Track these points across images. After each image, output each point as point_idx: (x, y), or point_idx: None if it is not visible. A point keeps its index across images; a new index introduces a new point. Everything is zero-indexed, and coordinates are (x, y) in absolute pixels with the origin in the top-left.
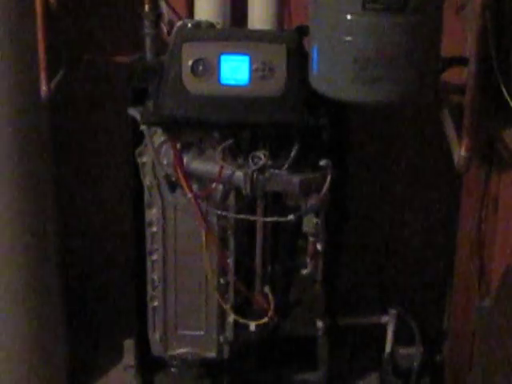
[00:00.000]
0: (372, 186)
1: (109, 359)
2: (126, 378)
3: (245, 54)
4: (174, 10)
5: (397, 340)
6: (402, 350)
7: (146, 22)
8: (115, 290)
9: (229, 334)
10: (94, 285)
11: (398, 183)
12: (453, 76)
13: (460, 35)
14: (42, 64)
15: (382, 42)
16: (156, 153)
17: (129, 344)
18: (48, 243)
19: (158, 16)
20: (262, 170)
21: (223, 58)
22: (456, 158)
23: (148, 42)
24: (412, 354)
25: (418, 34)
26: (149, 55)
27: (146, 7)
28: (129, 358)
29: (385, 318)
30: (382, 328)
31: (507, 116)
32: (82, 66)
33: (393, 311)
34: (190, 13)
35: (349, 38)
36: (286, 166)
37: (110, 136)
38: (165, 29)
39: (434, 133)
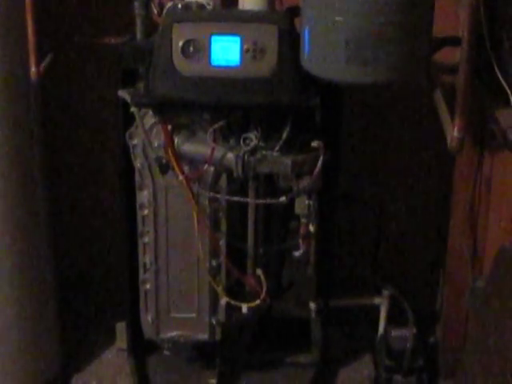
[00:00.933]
0: (365, 168)
1: (101, 342)
2: (118, 361)
3: (236, 34)
4: None
5: (390, 321)
6: (395, 332)
7: (137, 3)
8: (107, 272)
9: (221, 316)
10: (85, 268)
11: (390, 164)
12: (446, 56)
13: (453, 15)
14: (31, 46)
15: (374, 22)
16: (147, 135)
17: (121, 327)
18: (39, 225)
19: None
20: (253, 151)
21: (214, 38)
22: (449, 139)
23: (138, 23)
24: (405, 335)
25: (409, 14)
26: (139, 36)
27: None
28: (121, 340)
29: (378, 299)
30: (376, 309)
31: (500, 96)
32: (72, 47)
33: (386, 292)
34: None
35: (340, 19)
36: (278, 147)
37: (101, 118)
38: (155, 10)
39: (427, 113)
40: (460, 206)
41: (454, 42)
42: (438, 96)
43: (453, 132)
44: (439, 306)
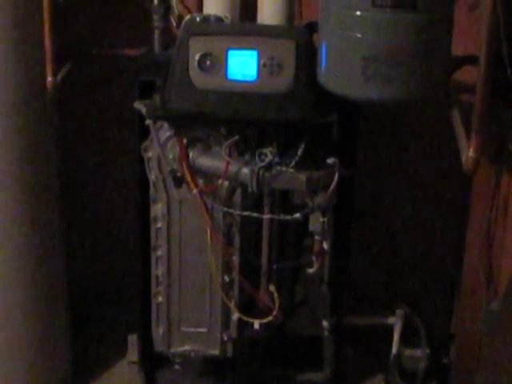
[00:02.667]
0: (381, 186)
1: (112, 354)
2: (129, 374)
3: (253, 49)
4: (183, 3)
5: (403, 341)
6: (409, 352)
7: (155, 16)
8: (120, 284)
9: (233, 331)
10: (98, 280)
11: (407, 183)
12: (466, 75)
13: (474, 34)
14: (49, 56)
15: (392, 39)
16: (162, 147)
17: (132, 339)
18: (52, 237)
19: (167, 9)
20: (268, 167)
21: (231, 52)
22: (464, 159)
23: (157, 35)
24: (418, 356)
25: (428, 32)
26: (157, 49)
27: (155, 1)
28: (132, 353)
29: (392, 319)
30: (389, 329)
31: None
32: (91, 59)
33: (400, 312)
34: (200, 7)
35: (358, 35)
36: (293, 163)
37: (117, 130)
38: (174, 22)
39: (445, 132)
40: (476, 226)
41: (473, 60)
42: (456, 115)
43: (468, 152)
44: (454, 327)
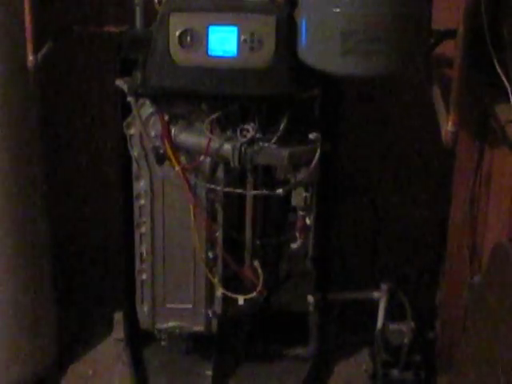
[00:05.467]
0: (364, 161)
1: (98, 332)
2: (115, 351)
3: (233, 25)
4: None
5: (388, 316)
6: (393, 326)
7: None
8: (105, 262)
9: (217, 307)
10: (83, 257)
11: (391, 159)
12: (449, 50)
13: (457, 8)
14: (29, 34)
15: (370, 13)
16: (144, 125)
17: (118, 317)
18: (36, 214)
19: None
20: (250, 142)
21: (211, 29)
22: (443, 133)
23: (138, 12)
24: (403, 330)
25: (406, 6)
26: (139, 26)
27: None
28: (118, 330)
29: (376, 294)
30: (374, 304)
31: (500, 91)
32: (72, 36)
33: (384, 287)
34: None
35: (337, 10)
36: (275, 138)
37: (99, 107)
38: None
39: (428, 108)
40: (460, 202)
41: (455, 34)
42: (436, 89)
43: (447, 126)
44: (438, 301)
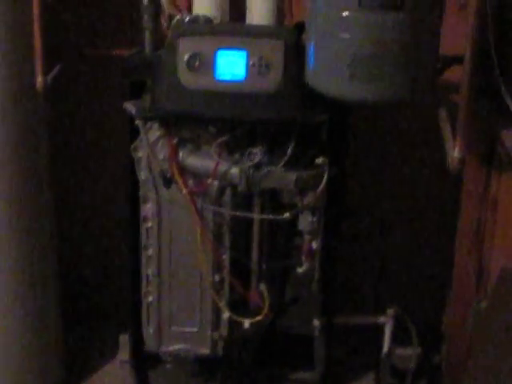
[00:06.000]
0: (371, 185)
1: (104, 354)
2: (121, 373)
3: (242, 49)
4: (173, 3)
5: (394, 340)
6: (400, 351)
7: (146, 16)
8: (112, 284)
9: (223, 330)
10: (90, 280)
11: (397, 183)
12: (457, 75)
13: (464, 34)
14: (39, 55)
15: (379, 39)
16: (151, 148)
17: (124, 339)
18: (43, 236)
19: (158, 10)
20: (257, 166)
21: (220, 53)
22: (449, 159)
23: (147, 35)
24: (409, 355)
25: (415, 32)
26: (147, 49)
27: (145, 1)
28: (124, 353)
29: (382, 318)
30: (380, 328)
31: (507, 117)
32: (82, 59)
33: (391, 311)
34: (190, 7)
35: (345, 35)
36: (283, 162)
37: (108, 130)
38: (164, 23)
39: (436, 132)
40: (466, 227)
41: (462, 60)
42: (443, 115)
43: (453, 152)
44: (444, 326)
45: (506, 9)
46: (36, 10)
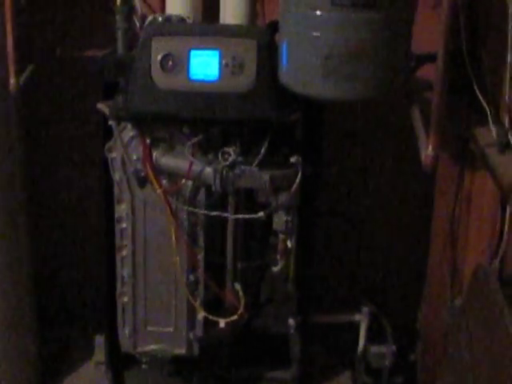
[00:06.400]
0: (345, 184)
1: (79, 356)
2: (96, 375)
3: (214, 49)
4: (146, 3)
5: (369, 338)
6: (375, 349)
7: (118, 16)
8: (86, 286)
9: (198, 330)
10: (64, 280)
11: (371, 182)
12: (429, 73)
13: (437, 32)
14: (11, 57)
15: (351, 38)
16: (125, 148)
17: (99, 340)
18: (18, 237)
19: (131, 10)
20: (231, 166)
21: (193, 53)
22: (422, 156)
23: (120, 36)
24: (384, 352)
25: (387, 30)
26: (121, 49)
27: (118, 1)
28: (99, 354)
29: (357, 316)
30: (355, 326)
31: (480, 114)
32: (55, 60)
33: (365, 309)
34: (163, 7)
35: (317, 34)
36: (257, 162)
37: (81, 131)
38: (137, 23)
39: (408, 129)
40: (440, 225)
41: (434, 58)
42: (416, 113)
43: (426, 149)
44: (419, 324)
45: (477, 8)
46: (8, 12)
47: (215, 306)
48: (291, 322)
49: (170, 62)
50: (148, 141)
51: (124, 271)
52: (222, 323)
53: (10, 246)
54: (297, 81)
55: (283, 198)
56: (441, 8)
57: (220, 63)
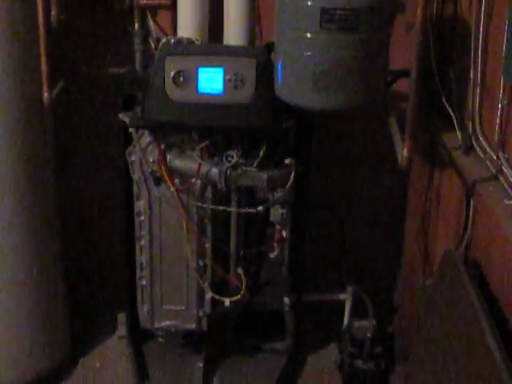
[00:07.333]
0: (332, 182)
1: (104, 330)
2: (119, 347)
3: (219, 66)
4: (160, 28)
5: (353, 314)
6: (358, 323)
7: (136, 39)
8: (110, 271)
9: (207, 308)
10: (91, 267)
11: (354, 179)
12: (404, 87)
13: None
14: (45, 74)
15: (337, 56)
16: (143, 152)
17: (121, 317)
18: (53, 234)
19: (147, 33)
20: (234, 167)
21: (200, 70)
22: (399, 158)
23: (138, 55)
24: (366, 326)
25: (368, 50)
26: (138, 67)
27: (136, 26)
28: (121, 329)
29: (343, 295)
30: (341, 304)
31: (447, 122)
32: (81, 77)
33: (350, 289)
34: (174, 30)
35: (308, 53)
36: (256, 163)
37: (105, 138)
38: (153, 44)
39: (386, 135)
40: (414, 216)
41: (408, 74)
42: (392, 121)
43: (402, 152)
44: (396, 301)
45: (445, 31)
46: (42, 35)
47: (221, 287)
48: (286, 300)
49: (181, 78)
50: (162, 146)
51: (142, 258)
52: (226, 302)
53: (46, 241)
54: (290, 94)
55: (279, 194)
56: (414, 30)
57: (224, 79)
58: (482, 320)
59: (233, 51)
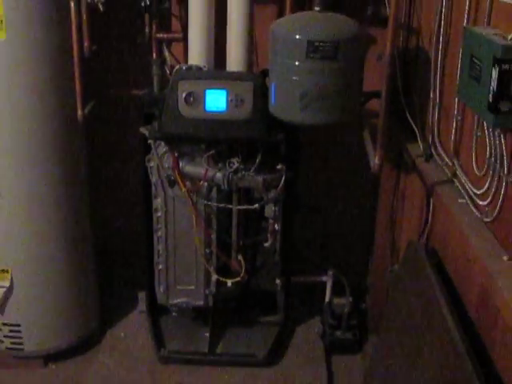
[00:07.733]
0: (316, 184)
1: (128, 306)
2: (140, 320)
3: (223, 89)
4: (174, 57)
5: (333, 293)
6: (337, 300)
7: (155, 66)
8: (133, 257)
9: (212, 288)
10: (117, 254)
11: (334, 182)
12: (375, 105)
13: (381, 76)
14: (78, 95)
15: (320, 81)
16: (160, 159)
17: (142, 295)
18: (84, 234)
19: (163, 61)
20: (235, 171)
21: (207, 92)
22: (372, 164)
23: (155, 79)
24: (344, 303)
25: (345, 76)
26: (156, 89)
27: (154, 55)
28: (142, 305)
29: (325, 277)
30: (323, 284)
31: (411, 134)
32: (109, 97)
33: (330, 272)
34: (186, 59)
35: (296, 78)
36: (253, 169)
37: (129, 147)
38: (168, 70)
39: (360, 145)
40: (383, 212)
41: (378, 95)
42: (366, 134)
43: (374, 160)
44: (368, 282)
45: (409, 59)
46: (76, 61)
47: (224, 270)
48: (278, 281)
49: (192, 98)
50: (176, 154)
51: (159, 247)
52: (229, 283)
53: (77, 234)
54: (282, 111)
55: (272, 194)
56: (383, 59)
57: (227, 99)
58: (439, 297)
59: (234, 76)
